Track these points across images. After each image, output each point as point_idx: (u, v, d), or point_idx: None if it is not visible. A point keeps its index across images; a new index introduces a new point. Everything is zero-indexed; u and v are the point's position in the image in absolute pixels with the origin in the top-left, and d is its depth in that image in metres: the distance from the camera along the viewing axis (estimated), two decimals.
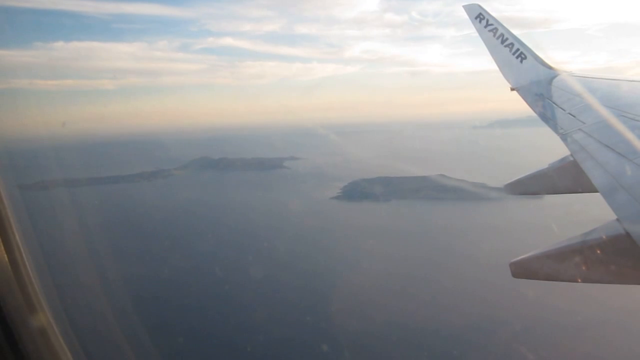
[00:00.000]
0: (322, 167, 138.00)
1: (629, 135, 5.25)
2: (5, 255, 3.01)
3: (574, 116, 6.73)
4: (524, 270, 4.59)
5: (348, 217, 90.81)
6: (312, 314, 50.28)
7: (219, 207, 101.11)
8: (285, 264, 64.33)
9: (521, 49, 9.83)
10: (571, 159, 5.85)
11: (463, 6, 10.77)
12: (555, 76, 9.27)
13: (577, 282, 4.25)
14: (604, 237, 4.01)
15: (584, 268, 4.11)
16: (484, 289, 56.30)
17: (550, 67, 9.62)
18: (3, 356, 2.81)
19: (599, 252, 4.01)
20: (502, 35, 10.02)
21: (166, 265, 62.88)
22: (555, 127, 6.74)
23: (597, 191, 4.45)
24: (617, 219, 3.86)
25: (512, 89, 9.37)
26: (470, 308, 51.90)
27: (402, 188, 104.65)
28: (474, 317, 49.68)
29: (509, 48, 9.92)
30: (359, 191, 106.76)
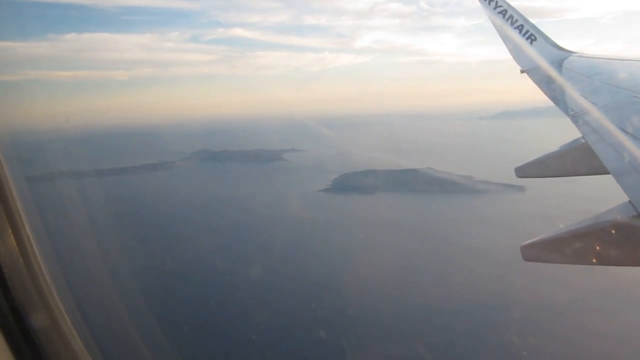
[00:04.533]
0: (320, 159, 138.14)
1: None
2: (16, 246, 3.04)
3: (585, 97, 6.63)
4: (535, 253, 4.55)
5: (331, 210, 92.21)
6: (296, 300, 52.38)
7: (208, 199, 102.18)
8: (263, 255, 65.69)
9: (531, 31, 9.68)
10: (582, 141, 5.78)
11: None
12: (566, 57, 9.12)
13: (588, 264, 4.22)
14: (615, 219, 3.96)
15: (595, 250, 4.07)
16: (462, 276, 56.98)
17: (560, 49, 9.48)
18: (16, 343, 2.85)
19: (610, 234, 3.96)
20: (511, 17, 9.85)
21: (164, 255, 64.51)
22: (565, 109, 6.65)
23: (608, 173, 4.40)
24: (629, 201, 3.82)
25: (522, 72, 9.23)
26: (455, 296, 52.25)
27: (389, 181, 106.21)
28: (464, 305, 49.95)
29: (518, 30, 9.76)
30: (348, 184, 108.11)
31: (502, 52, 9.99)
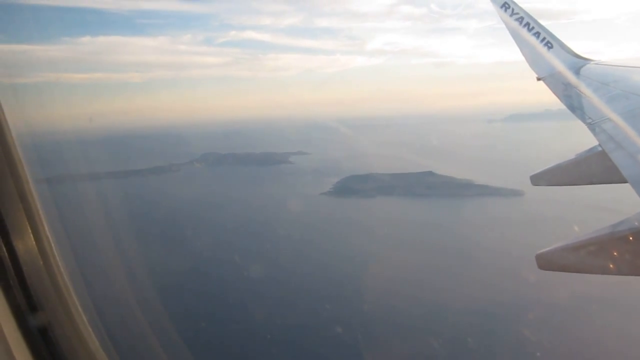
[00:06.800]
0: (325, 162, 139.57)
1: None
2: (35, 245, 3.08)
3: (602, 105, 6.57)
4: (550, 262, 4.51)
5: (329, 213, 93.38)
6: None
7: (209, 203, 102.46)
8: (254, 257, 66.59)
9: (548, 38, 9.60)
10: (599, 149, 5.73)
11: None
12: (583, 65, 9.04)
13: (606, 274, 4.17)
14: (633, 228, 3.92)
15: (611, 260, 4.03)
16: (458, 280, 56.75)
17: (578, 56, 9.39)
18: (34, 342, 2.89)
19: (627, 243, 3.92)
20: (528, 24, 9.79)
21: (178, 255, 65.14)
22: (582, 117, 6.59)
23: (626, 182, 4.35)
24: None
25: (539, 79, 9.16)
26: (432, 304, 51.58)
27: (390, 184, 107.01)
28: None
29: (535, 37, 9.69)
30: (349, 187, 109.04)
31: (514, 54, 9.97)
